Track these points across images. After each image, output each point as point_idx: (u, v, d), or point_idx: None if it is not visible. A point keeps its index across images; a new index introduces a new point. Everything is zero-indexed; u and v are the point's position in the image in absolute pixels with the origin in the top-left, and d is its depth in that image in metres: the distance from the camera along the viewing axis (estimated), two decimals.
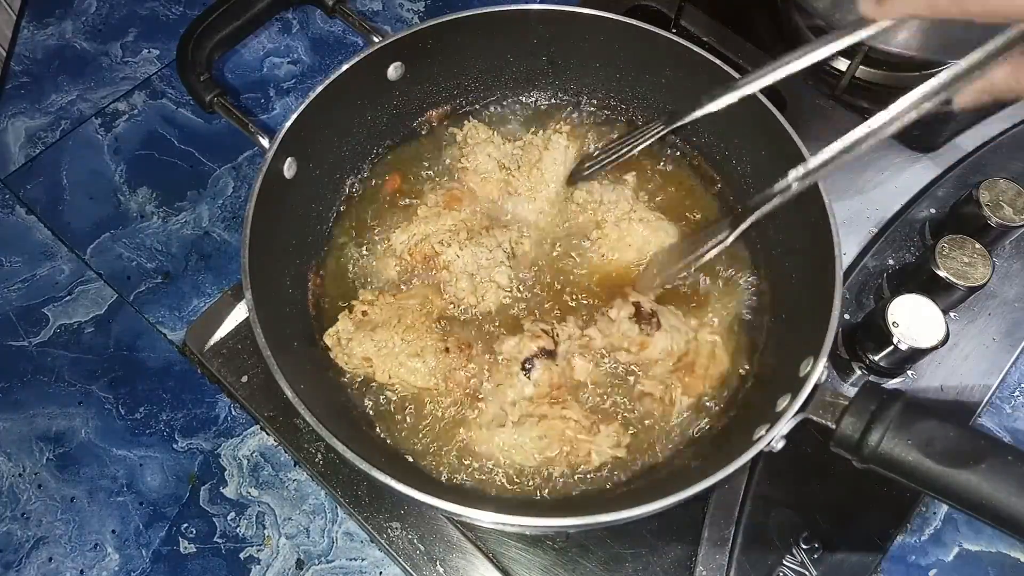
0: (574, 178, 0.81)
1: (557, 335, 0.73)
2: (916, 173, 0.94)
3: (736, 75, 0.72)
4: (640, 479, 0.69)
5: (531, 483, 0.69)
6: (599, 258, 0.79)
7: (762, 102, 0.71)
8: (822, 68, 1.01)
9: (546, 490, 0.69)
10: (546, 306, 0.77)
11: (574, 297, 0.78)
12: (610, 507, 0.56)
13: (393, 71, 0.78)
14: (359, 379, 0.73)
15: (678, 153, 0.86)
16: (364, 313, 0.73)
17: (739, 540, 0.74)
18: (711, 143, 0.83)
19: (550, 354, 0.71)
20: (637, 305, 0.73)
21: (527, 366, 0.70)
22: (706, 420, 0.72)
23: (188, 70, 0.73)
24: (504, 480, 0.69)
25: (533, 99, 0.89)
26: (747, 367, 0.74)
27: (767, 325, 0.75)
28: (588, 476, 0.69)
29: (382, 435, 0.71)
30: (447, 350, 0.72)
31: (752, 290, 0.78)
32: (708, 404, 0.72)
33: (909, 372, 0.82)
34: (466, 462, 0.70)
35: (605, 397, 0.72)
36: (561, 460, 0.68)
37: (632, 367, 0.73)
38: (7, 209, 0.97)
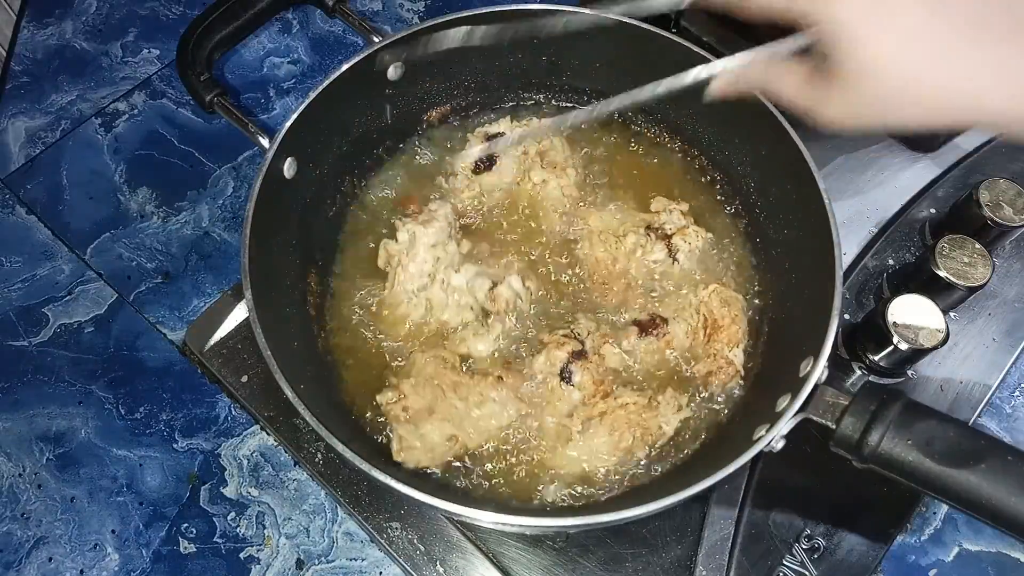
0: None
1: (578, 335, 0.73)
2: (916, 173, 0.94)
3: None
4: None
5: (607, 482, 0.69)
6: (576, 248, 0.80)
7: (762, 101, 0.71)
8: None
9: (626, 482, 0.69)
10: (552, 311, 0.77)
11: (569, 294, 0.78)
12: (610, 507, 0.56)
13: (393, 71, 0.78)
14: (454, 463, 0.69)
15: (677, 152, 0.86)
16: (405, 409, 0.68)
17: (739, 540, 0.74)
18: (712, 143, 0.83)
19: (581, 355, 0.71)
20: (637, 323, 0.74)
21: (565, 375, 0.70)
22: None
23: (188, 70, 0.73)
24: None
25: (533, 99, 0.89)
26: (747, 366, 0.74)
27: (767, 325, 0.75)
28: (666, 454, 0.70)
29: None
30: (500, 378, 0.70)
31: (752, 290, 0.78)
32: (749, 349, 0.74)
33: (909, 372, 0.82)
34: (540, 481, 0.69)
35: (648, 370, 0.73)
36: (638, 444, 0.68)
37: (679, 362, 0.74)
38: (7, 209, 0.98)
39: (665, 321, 0.74)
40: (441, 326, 0.75)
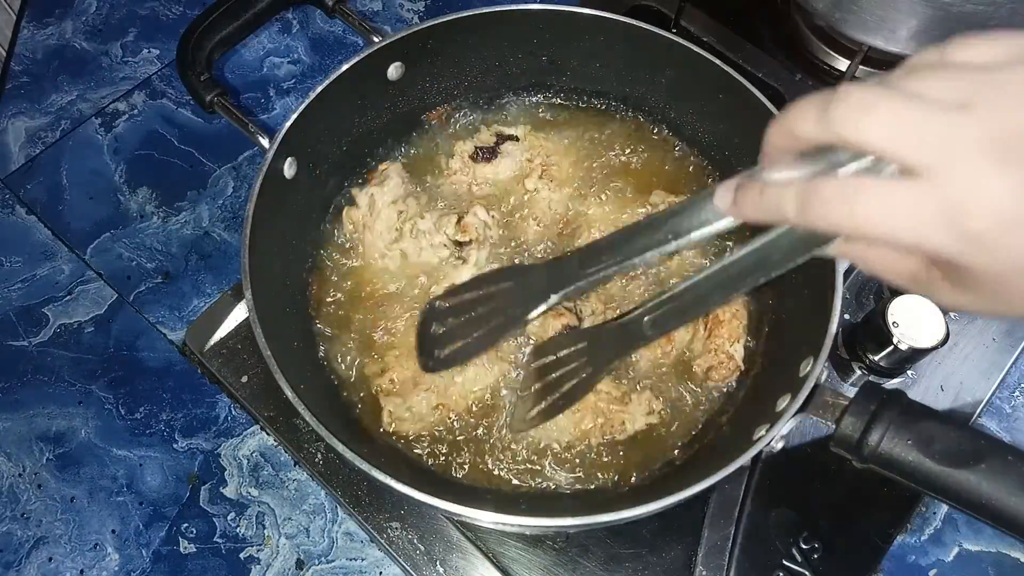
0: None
1: (580, 311, 0.73)
2: None
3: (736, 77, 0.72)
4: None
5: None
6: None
7: (761, 101, 0.71)
8: (821, 67, 1.01)
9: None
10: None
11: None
12: (610, 507, 0.56)
13: (393, 71, 0.78)
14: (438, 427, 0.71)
15: (677, 151, 0.86)
16: (392, 381, 0.70)
17: (739, 540, 0.74)
18: (712, 143, 0.83)
19: (575, 330, 0.71)
20: None
21: None
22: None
23: (188, 70, 0.73)
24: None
25: (533, 99, 0.89)
26: (747, 366, 0.74)
27: (767, 325, 0.75)
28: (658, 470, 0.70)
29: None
30: None
31: (751, 290, 0.78)
32: (749, 345, 0.74)
33: (909, 372, 0.82)
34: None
35: (646, 365, 0.73)
36: (596, 431, 0.69)
37: (681, 358, 0.74)
38: (7, 209, 0.97)
39: None
40: (421, 268, 0.77)
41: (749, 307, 0.76)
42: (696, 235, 0.45)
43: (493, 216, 0.79)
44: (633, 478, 0.70)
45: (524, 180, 0.82)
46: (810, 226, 0.36)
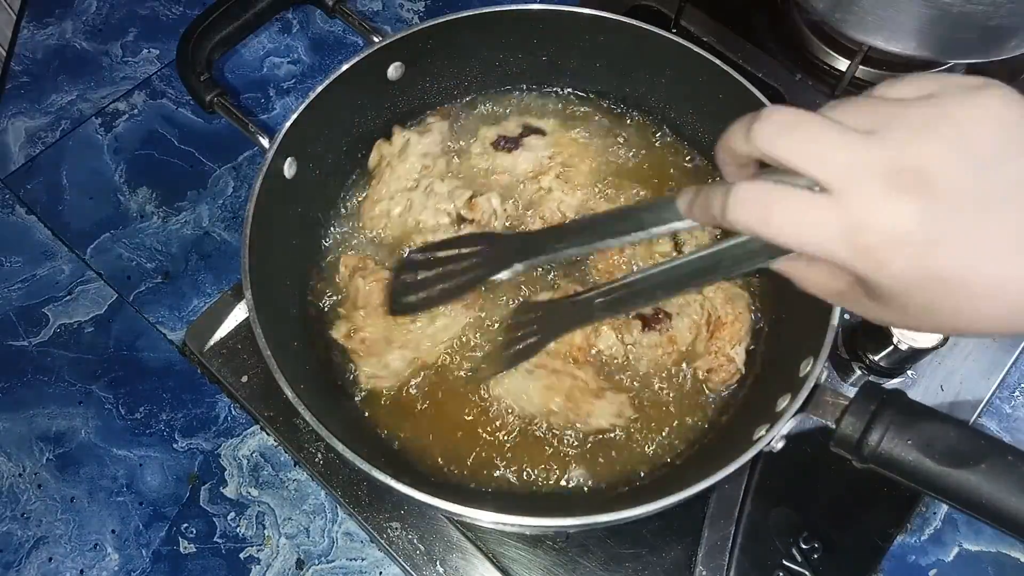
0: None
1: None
2: None
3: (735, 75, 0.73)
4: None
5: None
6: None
7: (762, 101, 0.71)
8: (821, 67, 1.01)
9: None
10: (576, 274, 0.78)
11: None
12: (610, 507, 0.56)
13: (393, 71, 0.78)
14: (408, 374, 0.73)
15: (673, 151, 0.86)
16: (363, 341, 0.72)
17: (739, 540, 0.74)
18: (712, 143, 0.83)
19: (533, 302, 0.72)
20: (641, 316, 0.74)
21: None
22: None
23: (188, 70, 0.73)
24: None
25: (533, 99, 0.89)
26: (746, 365, 0.74)
27: (767, 325, 0.75)
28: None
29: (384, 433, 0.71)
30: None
31: (752, 290, 0.78)
32: (751, 348, 0.74)
33: (909, 372, 0.82)
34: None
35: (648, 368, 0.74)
36: (561, 415, 0.69)
37: (684, 362, 0.74)
38: (7, 209, 0.98)
39: (668, 316, 0.74)
40: (416, 224, 0.78)
41: (751, 310, 0.76)
42: (656, 230, 0.49)
43: (505, 209, 0.79)
44: (643, 474, 0.70)
45: (540, 176, 0.81)
46: (732, 226, 0.39)
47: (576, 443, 0.71)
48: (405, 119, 0.85)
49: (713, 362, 0.72)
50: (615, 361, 0.74)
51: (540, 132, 0.82)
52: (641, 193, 0.83)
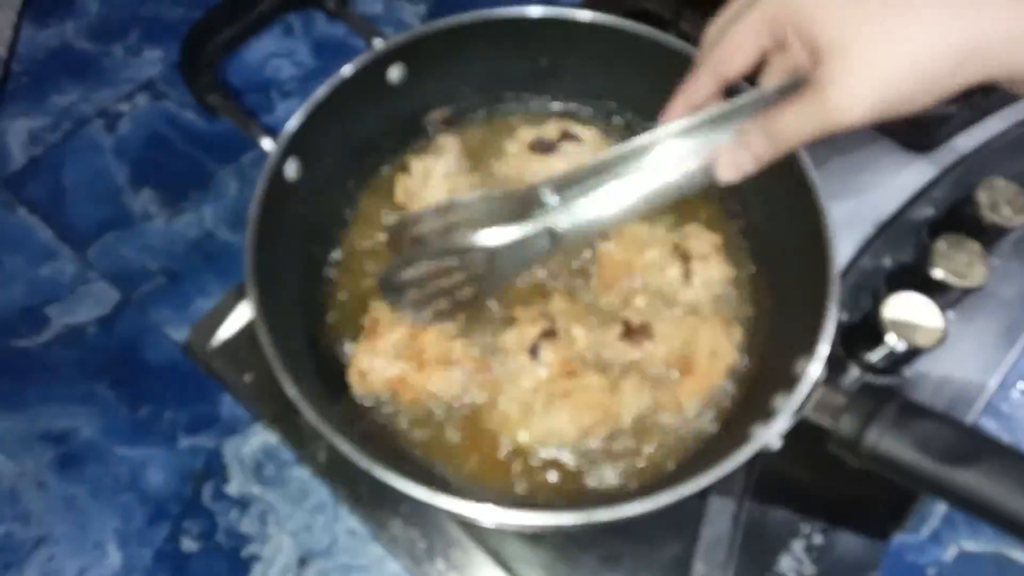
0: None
1: (551, 314, 0.73)
2: (913, 173, 0.94)
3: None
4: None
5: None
6: None
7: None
8: None
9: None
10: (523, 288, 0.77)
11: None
12: (609, 504, 0.56)
13: (395, 74, 0.79)
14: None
15: None
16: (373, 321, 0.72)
17: (738, 538, 0.74)
18: None
19: (551, 333, 0.71)
20: (626, 323, 0.73)
21: (534, 352, 0.70)
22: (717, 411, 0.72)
23: (191, 71, 0.73)
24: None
25: (533, 102, 0.89)
26: (745, 365, 0.74)
27: (764, 325, 0.76)
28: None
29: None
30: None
31: (748, 290, 0.78)
32: (745, 346, 0.74)
33: (906, 372, 0.82)
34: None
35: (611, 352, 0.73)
36: (598, 427, 0.68)
37: (673, 358, 0.73)
38: (9, 209, 0.98)
39: (651, 337, 0.72)
40: None
41: (746, 309, 0.76)
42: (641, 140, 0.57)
43: None
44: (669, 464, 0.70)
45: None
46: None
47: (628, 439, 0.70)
48: (407, 121, 0.85)
49: (707, 361, 0.71)
50: (599, 357, 0.72)
51: (577, 139, 0.81)
52: (665, 224, 0.80)
